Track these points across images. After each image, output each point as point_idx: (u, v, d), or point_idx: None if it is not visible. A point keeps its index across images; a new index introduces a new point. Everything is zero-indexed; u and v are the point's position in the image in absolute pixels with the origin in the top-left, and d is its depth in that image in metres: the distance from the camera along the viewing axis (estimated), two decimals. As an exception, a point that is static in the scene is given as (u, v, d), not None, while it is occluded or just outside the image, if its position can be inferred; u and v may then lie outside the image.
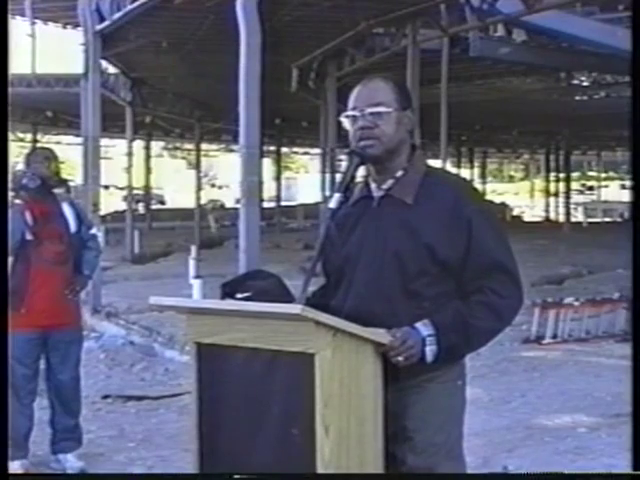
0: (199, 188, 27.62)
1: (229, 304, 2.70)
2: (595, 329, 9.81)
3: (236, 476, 2.58)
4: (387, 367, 2.57)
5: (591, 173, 60.48)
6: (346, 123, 2.72)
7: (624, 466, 4.04)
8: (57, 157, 5.45)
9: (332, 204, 2.68)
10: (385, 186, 2.72)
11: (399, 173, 2.71)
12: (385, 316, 2.60)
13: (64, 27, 19.04)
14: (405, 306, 2.62)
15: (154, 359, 9.14)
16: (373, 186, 2.75)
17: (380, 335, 2.53)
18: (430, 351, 2.56)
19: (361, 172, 2.77)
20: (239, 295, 2.75)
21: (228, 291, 2.79)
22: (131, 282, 15.21)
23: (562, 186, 36.79)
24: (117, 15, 12.46)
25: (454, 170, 27.24)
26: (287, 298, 2.74)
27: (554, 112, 26.41)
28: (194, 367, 2.71)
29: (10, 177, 4.86)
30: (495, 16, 13.81)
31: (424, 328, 2.57)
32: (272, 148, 34.98)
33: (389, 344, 2.52)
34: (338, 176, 2.84)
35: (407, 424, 2.64)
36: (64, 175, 5.80)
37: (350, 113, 2.70)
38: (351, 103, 2.71)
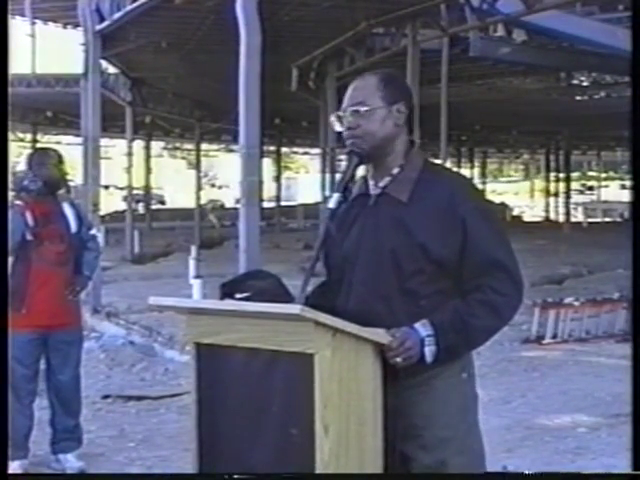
0: (199, 188, 27.64)
1: (228, 304, 2.70)
2: (595, 329, 9.82)
3: (236, 476, 2.58)
4: (387, 367, 2.57)
5: (591, 173, 60.48)
6: (336, 124, 2.72)
7: (624, 466, 4.03)
8: (62, 158, 5.44)
9: (331, 204, 2.67)
10: (382, 184, 2.71)
11: (395, 170, 2.70)
12: (383, 315, 2.60)
13: (64, 27, 19.03)
14: (402, 305, 2.61)
15: (154, 359, 9.13)
16: (371, 183, 2.74)
17: (379, 335, 2.53)
18: (429, 351, 2.56)
19: (360, 172, 2.77)
20: (238, 295, 2.75)
21: (227, 291, 2.78)
22: (131, 282, 15.20)
23: (562, 186, 36.80)
24: (117, 15, 12.47)
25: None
26: (286, 298, 2.73)
27: (554, 112, 26.41)
28: (194, 367, 2.70)
29: (11, 178, 4.86)
30: (495, 16, 13.81)
31: (423, 329, 2.56)
32: (272, 148, 34.99)
33: (387, 344, 2.52)
34: (338, 176, 2.84)
35: (415, 422, 2.63)
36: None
37: (337, 114, 2.72)
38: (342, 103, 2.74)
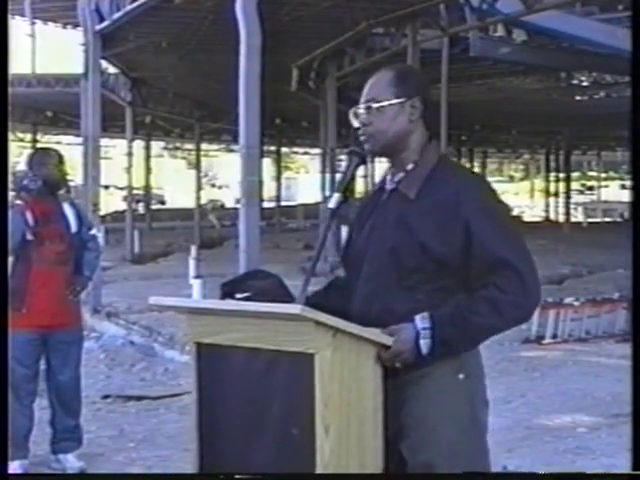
0: (199, 188, 27.65)
1: (229, 304, 2.70)
2: (595, 329, 9.82)
3: (236, 476, 2.57)
4: (387, 367, 2.57)
5: (591, 173, 60.49)
6: (353, 121, 2.69)
7: (624, 466, 4.04)
8: (62, 158, 5.43)
9: (332, 204, 2.66)
10: (396, 179, 2.68)
11: (410, 166, 2.67)
12: (383, 312, 2.59)
13: (64, 27, 19.05)
14: (401, 302, 2.59)
15: (154, 359, 9.14)
16: (388, 179, 2.72)
17: (380, 335, 2.53)
18: (424, 344, 2.52)
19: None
20: (239, 295, 2.74)
21: (228, 291, 2.78)
22: (131, 282, 15.21)
23: (562, 186, 36.84)
24: (117, 15, 12.48)
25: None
26: (287, 298, 2.72)
27: (554, 112, 26.42)
28: (194, 367, 2.70)
29: (11, 178, 4.86)
30: (495, 16, 13.83)
31: (420, 321, 2.53)
32: (272, 148, 34.99)
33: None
34: (338, 176, 2.83)
35: (405, 421, 2.59)
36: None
37: (354, 110, 2.68)
38: None
